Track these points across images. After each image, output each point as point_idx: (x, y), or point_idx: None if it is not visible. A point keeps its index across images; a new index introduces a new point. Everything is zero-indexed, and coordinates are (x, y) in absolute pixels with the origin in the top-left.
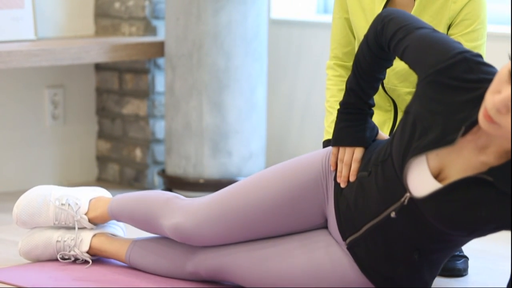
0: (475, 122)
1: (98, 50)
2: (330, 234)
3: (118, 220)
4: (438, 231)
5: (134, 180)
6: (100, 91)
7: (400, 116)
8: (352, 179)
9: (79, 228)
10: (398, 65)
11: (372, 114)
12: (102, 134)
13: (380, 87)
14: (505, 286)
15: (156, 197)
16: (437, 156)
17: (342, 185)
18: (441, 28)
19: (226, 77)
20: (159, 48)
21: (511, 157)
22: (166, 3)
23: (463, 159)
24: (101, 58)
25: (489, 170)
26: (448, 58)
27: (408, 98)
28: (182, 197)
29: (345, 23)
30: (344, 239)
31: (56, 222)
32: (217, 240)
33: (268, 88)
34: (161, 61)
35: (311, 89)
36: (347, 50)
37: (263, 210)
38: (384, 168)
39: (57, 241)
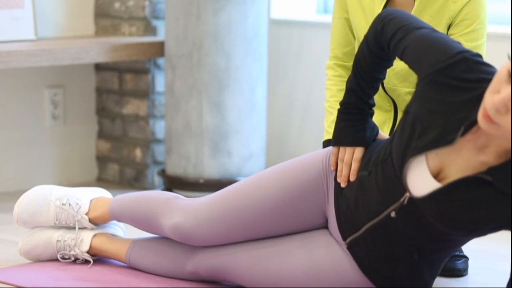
0: (474, 122)
1: (98, 50)
2: (330, 234)
3: (119, 220)
4: (438, 231)
5: (134, 180)
6: (100, 91)
7: (400, 116)
8: (352, 178)
9: (79, 228)
10: (398, 65)
11: (372, 114)
12: (102, 134)
13: (380, 87)
14: (505, 286)
15: (156, 197)
16: (436, 156)
17: (343, 185)
18: (441, 28)
19: (226, 77)
20: (159, 48)
21: (511, 156)
22: (166, 3)
23: (462, 159)
24: (101, 58)
25: (489, 170)
26: (447, 57)
27: (408, 98)
28: (182, 197)
29: (345, 23)
30: (344, 238)
31: (57, 222)
32: (217, 240)
33: (268, 88)
34: (161, 61)
35: (311, 89)
36: (347, 50)
37: (263, 210)
38: (384, 167)
39: (58, 240)
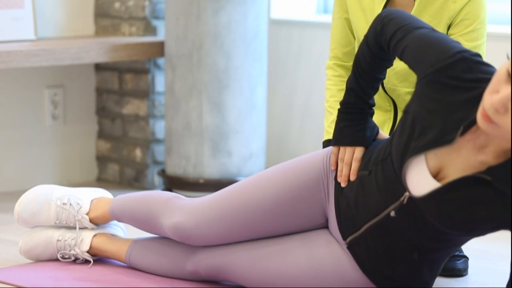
0: (473, 122)
1: (98, 50)
2: (331, 233)
3: (119, 220)
4: (438, 230)
5: (134, 180)
6: (100, 91)
7: (400, 116)
8: (352, 178)
9: (80, 228)
10: (398, 65)
11: (372, 113)
12: (102, 134)
13: (380, 87)
14: (505, 286)
15: (156, 197)
16: (436, 156)
17: (343, 185)
18: (441, 28)
19: (226, 77)
20: (159, 48)
21: (511, 156)
22: (166, 3)
23: (461, 159)
24: (101, 58)
25: (488, 169)
26: (447, 57)
27: (408, 98)
28: (182, 197)
29: (345, 23)
30: (344, 238)
31: (57, 222)
32: (217, 240)
33: (268, 88)
34: (161, 61)
35: (311, 89)
36: (347, 50)
37: (263, 210)
38: (384, 167)
39: (58, 240)
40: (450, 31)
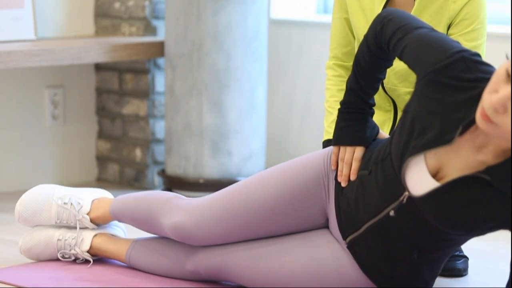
0: (473, 121)
1: (98, 50)
2: (331, 233)
3: (120, 221)
4: (437, 230)
5: (134, 180)
6: (100, 91)
7: (400, 116)
8: (352, 178)
9: (80, 228)
10: (398, 65)
11: (372, 113)
12: (102, 134)
13: (380, 87)
14: (505, 286)
15: (157, 197)
16: (435, 155)
17: (343, 184)
18: (441, 28)
19: (226, 77)
20: (159, 48)
21: (511, 156)
22: (166, 3)
23: (461, 158)
24: (101, 58)
25: (487, 169)
26: (446, 57)
27: (408, 98)
28: (182, 196)
29: (345, 23)
30: (344, 238)
31: (58, 221)
32: (217, 240)
33: (268, 88)
34: (161, 61)
35: (311, 89)
36: (347, 50)
37: (263, 210)
38: (384, 166)
39: (58, 239)
40: (450, 31)
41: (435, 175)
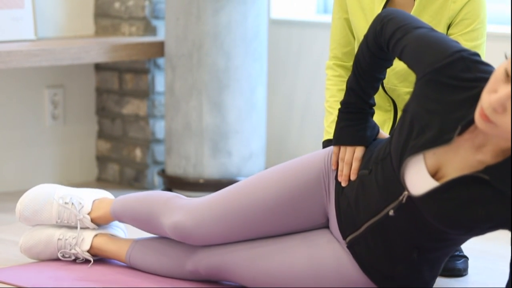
0: (472, 121)
1: (98, 50)
2: (331, 233)
3: (120, 221)
4: (437, 230)
5: (134, 180)
6: (100, 91)
7: (400, 116)
8: (353, 177)
9: (81, 228)
10: (398, 65)
11: (373, 113)
12: (102, 134)
13: (380, 87)
14: (505, 286)
15: (157, 196)
16: (434, 155)
17: (343, 184)
18: (441, 28)
19: (226, 77)
20: (159, 48)
21: (510, 155)
22: (166, 3)
23: (460, 158)
24: (101, 58)
25: (486, 168)
26: (445, 57)
27: (408, 98)
28: (183, 196)
29: (345, 23)
30: (344, 237)
31: (59, 221)
32: (217, 240)
33: (268, 88)
34: (161, 61)
35: (311, 89)
36: (347, 50)
37: (263, 210)
38: (383, 166)
39: (59, 239)
40: (450, 31)
41: (434, 174)
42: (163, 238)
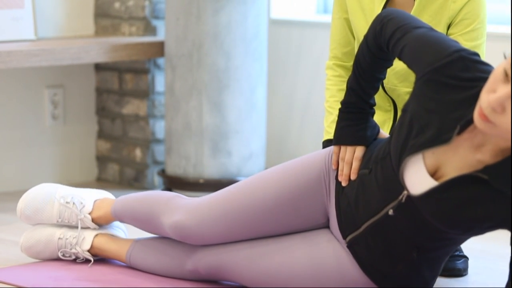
0: (471, 121)
1: (98, 50)
2: (332, 233)
3: (121, 221)
4: (436, 229)
5: (134, 180)
6: (100, 91)
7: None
8: (353, 177)
9: (82, 228)
10: (398, 65)
11: (373, 113)
12: (102, 134)
13: (380, 87)
14: (505, 286)
15: (158, 196)
16: (433, 155)
17: (343, 184)
18: (441, 28)
19: (226, 77)
20: (159, 48)
21: (510, 155)
22: (166, 3)
23: (459, 157)
24: (101, 58)
25: (485, 168)
26: (444, 56)
27: (408, 98)
28: (183, 196)
29: (345, 23)
30: (344, 237)
31: (60, 220)
32: (217, 239)
33: (268, 88)
34: (161, 61)
35: (311, 89)
36: (347, 50)
37: (262, 210)
38: (383, 166)
39: (59, 238)
40: (450, 31)
41: (433, 174)
42: (163, 238)
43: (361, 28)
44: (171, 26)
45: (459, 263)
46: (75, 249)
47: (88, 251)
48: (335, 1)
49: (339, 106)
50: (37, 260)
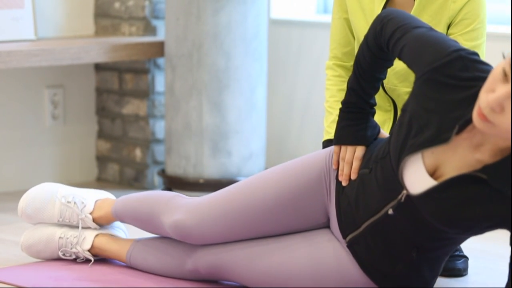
0: (469, 120)
1: (98, 50)
2: (332, 233)
3: (122, 221)
4: (435, 229)
5: (134, 180)
6: (100, 91)
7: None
8: (353, 177)
9: (82, 228)
10: (398, 65)
11: (374, 113)
12: (102, 134)
13: (380, 87)
14: (505, 286)
15: (158, 196)
16: (432, 154)
17: (344, 183)
18: (441, 28)
19: (226, 77)
20: (159, 48)
21: (510, 154)
22: (166, 3)
23: (458, 157)
24: (101, 58)
25: (483, 168)
26: (443, 56)
27: None
28: (184, 196)
29: (345, 23)
30: (344, 237)
31: (60, 219)
32: (217, 239)
33: (268, 88)
34: (161, 61)
35: (311, 89)
36: (347, 50)
37: (262, 210)
38: (383, 165)
39: (60, 237)
40: (450, 31)
41: (432, 173)
42: (164, 238)
43: (361, 28)
44: (171, 26)
45: (459, 263)
46: (76, 248)
47: (89, 250)
48: (335, 1)
49: (339, 106)
50: (37, 260)
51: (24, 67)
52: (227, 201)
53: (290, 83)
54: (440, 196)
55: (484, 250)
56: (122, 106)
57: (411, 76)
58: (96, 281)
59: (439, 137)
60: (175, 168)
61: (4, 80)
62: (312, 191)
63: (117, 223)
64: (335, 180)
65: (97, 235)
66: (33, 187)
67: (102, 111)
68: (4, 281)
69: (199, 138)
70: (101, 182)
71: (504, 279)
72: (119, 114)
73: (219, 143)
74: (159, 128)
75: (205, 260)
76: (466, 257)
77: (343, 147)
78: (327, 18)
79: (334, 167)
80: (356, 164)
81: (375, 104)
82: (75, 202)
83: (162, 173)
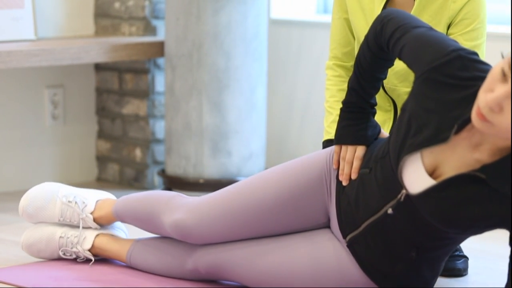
0: (468, 120)
1: (98, 50)
2: (332, 232)
3: (122, 221)
4: (435, 229)
5: (134, 180)
6: (100, 91)
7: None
8: (353, 176)
9: (83, 227)
10: (398, 65)
11: (374, 113)
12: (102, 134)
13: (380, 87)
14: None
15: (158, 196)
16: (431, 154)
17: (344, 183)
18: (441, 28)
19: (226, 77)
20: (159, 48)
21: (509, 154)
22: (166, 3)
23: (457, 157)
24: (101, 58)
25: (482, 167)
26: (443, 55)
27: None
28: (184, 195)
29: (345, 23)
30: (344, 236)
31: (61, 219)
32: (217, 238)
33: (268, 88)
34: (161, 61)
35: (311, 89)
36: (347, 50)
37: (262, 210)
38: (382, 165)
39: (60, 237)
40: (450, 31)
41: (431, 173)
42: (164, 238)
43: (361, 28)
44: (171, 26)
45: (459, 263)
46: (76, 248)
47: (89, 250)
48: (335, 1)
49: (339, 106)
50: (38, 260)
51: (24, 67)
52: (227, 201)
53: (290, 83)
54: (439, 196)
55: (484, 250)
56: (122, 106)
57: (411, 76)
58: (96, 281)
59: (438, 137)
60: (175, 168)
61: (4, 80)
62: (313, 191)
63: (118, 224)
64: (335, 180)
65: (97, 235)
66: (34, 187)
67: (102, 111)
68: (4, 281)
69: (199, 138)
70: (101, 182)
71: (504, 279)
72: (119, 114)
73: (219, 143)
74: (159, 128)
75: (205, 260)
76: (466, 257)
77: (343, 147)
78: (327, 18)
79: (334, 166)
80: (356, 164)
81: (375, 104)
82: (76, 202)
83: (162, 173)
